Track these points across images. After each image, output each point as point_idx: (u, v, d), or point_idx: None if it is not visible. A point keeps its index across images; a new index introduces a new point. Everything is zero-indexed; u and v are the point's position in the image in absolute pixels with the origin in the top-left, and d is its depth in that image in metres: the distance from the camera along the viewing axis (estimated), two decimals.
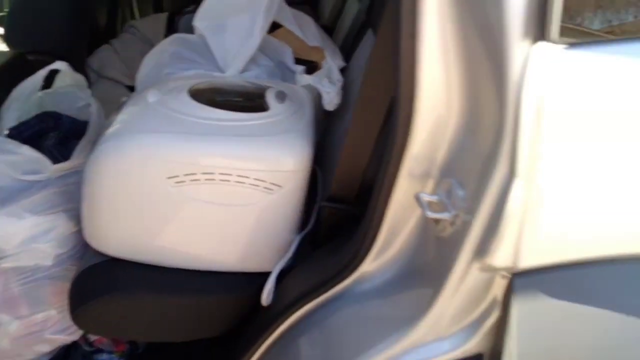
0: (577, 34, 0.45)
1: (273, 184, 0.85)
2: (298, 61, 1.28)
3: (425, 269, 0.68)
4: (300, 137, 0.87)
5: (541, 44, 0.45)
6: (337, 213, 0.88)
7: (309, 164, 0.87)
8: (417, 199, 0.63)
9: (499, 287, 0.60)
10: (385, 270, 0.75)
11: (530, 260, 0.55)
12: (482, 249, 0.56)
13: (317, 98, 1.07)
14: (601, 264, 0.57)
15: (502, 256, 0.55)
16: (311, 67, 1.32)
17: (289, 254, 0.90)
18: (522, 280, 0.57)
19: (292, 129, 0.88)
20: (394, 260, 0.74)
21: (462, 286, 0.61)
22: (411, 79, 0.56)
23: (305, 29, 1.24)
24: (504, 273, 0.59)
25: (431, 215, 0.61)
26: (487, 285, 0.61)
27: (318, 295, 0.79)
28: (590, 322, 0.57)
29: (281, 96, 0.94)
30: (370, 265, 0.75)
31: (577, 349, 0.57)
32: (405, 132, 0.61)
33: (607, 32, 0.50)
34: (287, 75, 1.21)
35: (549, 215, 0.52)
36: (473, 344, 0.63)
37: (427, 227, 0.69)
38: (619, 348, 0.58)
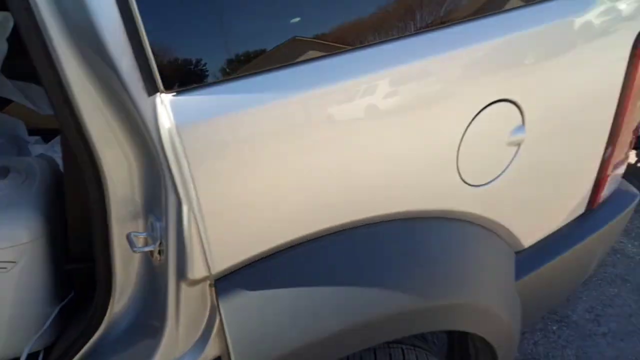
0: (185, 83, 0.58)
1: (4, 261, 0.83)
2: (39, 131, 1.26)
3: (157, 299, 0.75)
4: (26, 209, 0.87)
5: (158, 95, 0.57)
6: (84, 272, 0.90)
7: (42, 232, 0.87)
8: (127, 238, 0.70)
9: (211, 295, 0.70)
10: (130, 311, 0.79)
11: (219, 265, 0.66)
12: (181, 267, 0.65)
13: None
14: (281, 251, 0.70)
15: (196, 269, 0.65)
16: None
17: (44, 328, 0.89)
18: (222, 283, 0.68)
19: (15, 202, 0.87)
20: (134, 298, 0.79)
21: (182, 304, 0.69)
22: (80, 133, 0.63)
23: (36, 100, 1.23)
24: (209, 282, 0.69)
25: (138, 250, 0.68)
26: (203, 296, 0.70)
27: (75, 354, 0.80)
28: (287, 301, 0.70)
29: (3, 172, 0.93)
30: (116, 308, 0.79)
31: (282, 328, 0.70)
32: (96, 182, 0.67)
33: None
34: (24, 147, 1.18)
35: (217, 225, 0.63)
36: (209, 351, 0.72)
37: (150, 262, 0.76)
38: (314, 317, 0.72)
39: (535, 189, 1.01)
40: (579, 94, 0.96)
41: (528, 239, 1.07)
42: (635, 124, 1.10)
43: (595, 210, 1.17)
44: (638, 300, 1.87)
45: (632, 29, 0.96)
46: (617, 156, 1.11)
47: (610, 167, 1.11)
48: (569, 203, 1.11)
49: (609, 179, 1.13)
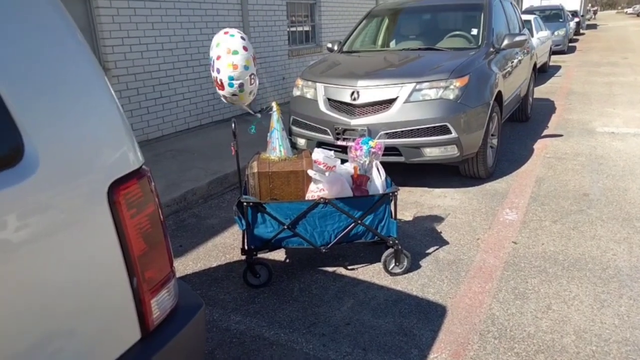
0: None
1: None
2: None
3: None
4: None
5: None
6: None
7: None
8: None
9: None
10: None
11: None
12: None
13: None
14: None
15: None
16: None
17: None
18: None
19: None
20: None
21: None
22: None
23: None
24: None
25: None
26: None
27: None
28: None
29: None
30: None
31: None
32: None
33: None
34: None
35: None
36: None
37: None
38: None
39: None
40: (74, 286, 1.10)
41: None
42: (151, 249, 1.30)
43: (152, 333, 1.30)
44: None
45: (103, 185, 1.17)
46: (149, 282, 1.28)
47: (147, 293, 1.28)
48: (111, 334, 1.21)
49: (152, 302, 1.30)
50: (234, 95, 2.77)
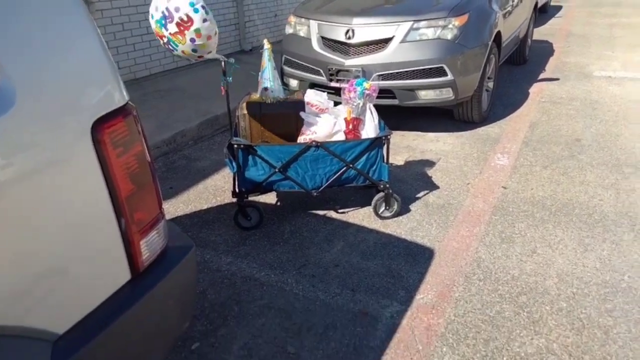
0: None
1: None
2: None
3: None
4: None
5: None
6: None
7: None
8: None
9: None
10: None
11: None
12: None
13: None
14: None
15: None
16: None
17: None
18: None
19: None
20: None
21: None
22: None
23: None
24: None
25: None
26: None
27: None
28: None
29: None
30: None
31: None
32: None
33: None
34: None
35: None
36: None
37: None
38: None
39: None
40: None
41: (62, 324, 1.12)
42: (140, 190, 1.28)
43: (143, 274, 1.31)
44: (282, 322, 2.17)
45: (86, 123, 1.12)
46: (138, 223, 1.27)
47: (135, 235, 1.27)
48: (100, 275, 1.21)
49: (141, 244, 1.29)
50: (204, 21, 2.50)
